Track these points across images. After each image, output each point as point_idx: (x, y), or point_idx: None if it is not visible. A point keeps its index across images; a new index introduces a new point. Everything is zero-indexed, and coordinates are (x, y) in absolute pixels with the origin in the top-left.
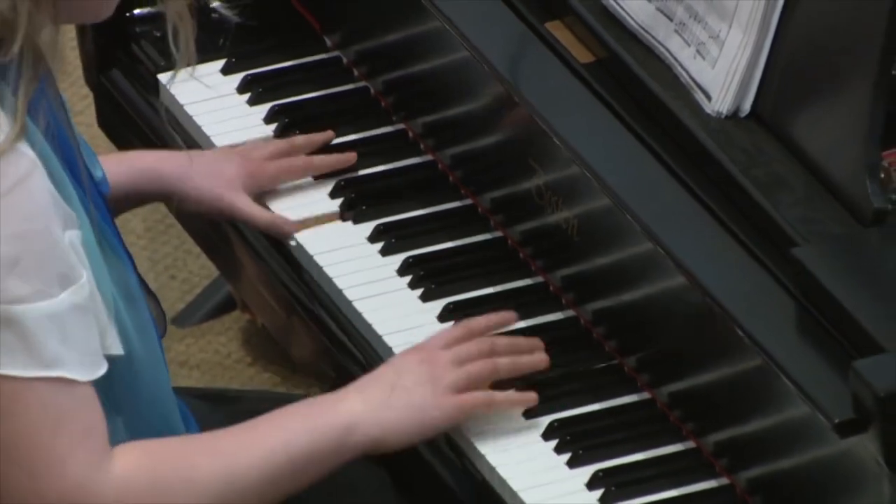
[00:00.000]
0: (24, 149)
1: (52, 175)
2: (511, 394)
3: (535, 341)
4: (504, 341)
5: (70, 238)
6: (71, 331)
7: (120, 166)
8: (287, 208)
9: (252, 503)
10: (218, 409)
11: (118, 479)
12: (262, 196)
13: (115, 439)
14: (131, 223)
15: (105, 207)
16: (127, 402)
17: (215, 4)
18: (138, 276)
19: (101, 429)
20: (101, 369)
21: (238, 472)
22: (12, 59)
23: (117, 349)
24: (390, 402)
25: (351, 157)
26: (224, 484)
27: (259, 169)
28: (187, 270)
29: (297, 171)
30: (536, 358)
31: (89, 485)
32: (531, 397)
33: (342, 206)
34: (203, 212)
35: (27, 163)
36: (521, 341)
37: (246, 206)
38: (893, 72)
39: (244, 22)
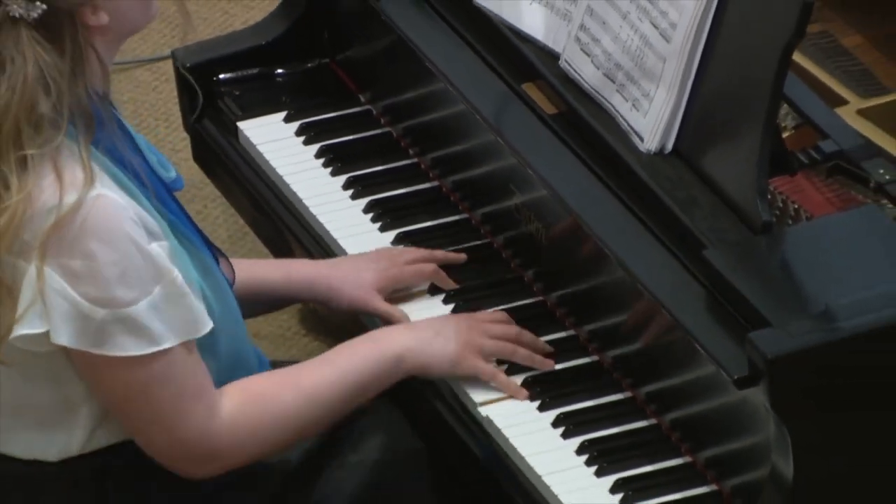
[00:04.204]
0: (103, 191)
1: (129, 193)
2: (511, 381)
3: (549, 349)
4: (529, 337)
5: (158, 248)
6: (165, 312)
7: (278, 272)
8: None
9: (330, 419)
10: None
11: (228, 421)
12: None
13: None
14: (218, 231)
15: (176, 204)
16: (217, 352)
17: (279, 70)
18: (210, 246)
19: (210, 385)
20: (200, 332)
21: (317, 397)
22: (68, 128)
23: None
24: (433, 342)
25: (461, 256)
26: (307, 410)
27: (401, 272)
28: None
29: (428, 276)
30: (547, 361)
31: (208, 429)
32: (524, 393)
33: (372, 219)
34: (349, 313)
35: (107, 203)
36: (541, 344)
37: (382, 307)
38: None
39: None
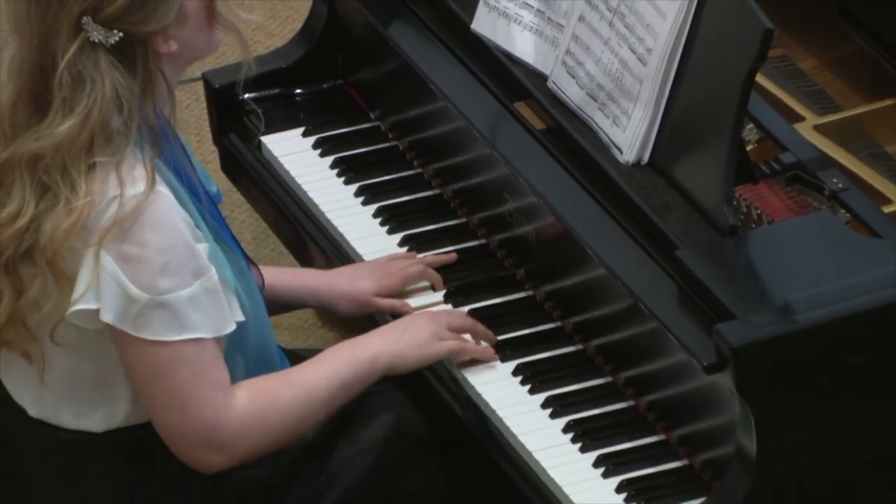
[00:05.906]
0: (160, 188)
1: (180, 200)
2: (480, 346)
3: (495, 340)
4: (482, 331)
5: (202, 248)
6: (203, 306)
7: (286, 279)
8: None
9: (321, 415)
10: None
11: (238, 414)
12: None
13: (237, 376)
14: (243, 233)
15: (219, 215)
16: (245, 347)
17: (298, 91)
18: (244, 254)
19: (226, 378)
20: (227, 329)
21: (311, 396)
22: (136, 138)
23: (240, 317)
24: (401, 339)
25: (451, 257)
26: (303, 405)
27: (393, 281)
28: (281, 266)
29: (416, 277)
30: (494, 355)
31: (220, 418)
32: (490, 355)
33: (381, 223)
34: (350, 317)
35: (164, 199)
36: (491, 336)
37: (383, 306)
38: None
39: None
